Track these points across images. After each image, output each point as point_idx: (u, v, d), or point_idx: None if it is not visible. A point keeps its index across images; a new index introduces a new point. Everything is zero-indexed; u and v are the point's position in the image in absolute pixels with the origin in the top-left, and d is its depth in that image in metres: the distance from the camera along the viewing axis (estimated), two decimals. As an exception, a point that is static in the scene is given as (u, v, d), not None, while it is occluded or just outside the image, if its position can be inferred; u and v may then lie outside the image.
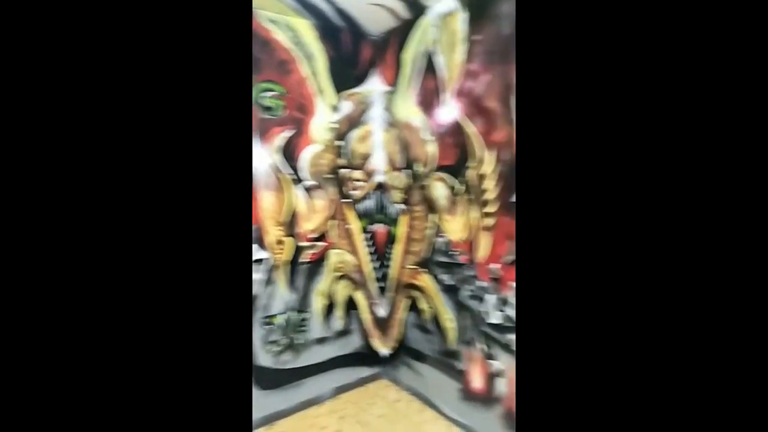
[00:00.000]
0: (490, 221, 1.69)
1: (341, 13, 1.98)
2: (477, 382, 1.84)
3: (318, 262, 2.16)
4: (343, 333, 2.29)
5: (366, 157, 2.27)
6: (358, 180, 2.26)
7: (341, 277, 2.26)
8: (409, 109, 2.07)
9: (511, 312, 1.63)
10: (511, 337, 1.65)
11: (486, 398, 1.79)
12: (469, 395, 1.89)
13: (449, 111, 1.83)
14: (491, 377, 1.76)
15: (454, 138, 1.83)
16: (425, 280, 2.10)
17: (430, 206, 2.01)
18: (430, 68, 1.91)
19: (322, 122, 2.10)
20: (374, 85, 2.25)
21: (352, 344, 2.32)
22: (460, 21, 1.72)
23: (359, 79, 2.21)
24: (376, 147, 2.29)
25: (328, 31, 2.07)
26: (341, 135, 2.18)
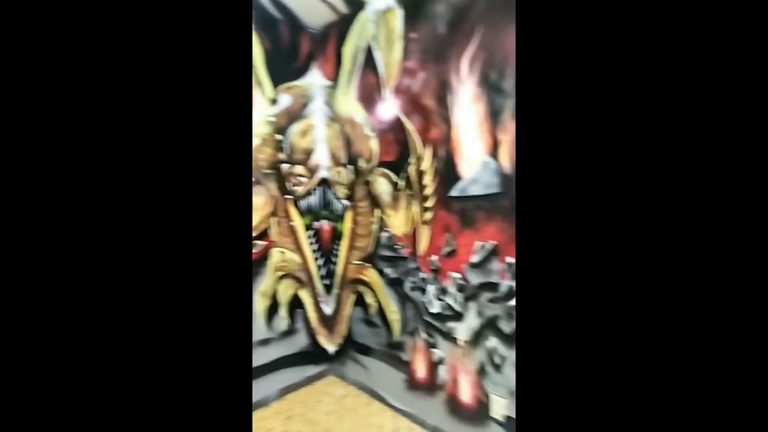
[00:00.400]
0: (429, 215, 1.74)
1: (278, 4, 1.92)
2: (421, 371, 1.89)
3: (259, 262, 2.09)
4: (288, 333, 2.24)
5: (308, 152, 2.23)
6: (300, 175, 2.21)
7: (284, 276, 2.21)
8: (350, 104, 2.07)
9: (450, 300, 1.70)
10: (451, 325, 1.72)
11: (429, 386, 1.86)
12: (413, 385, 1.94)
13: (389, 107, 1.86)
14: (434, 365, 1.82)
15: (395, 134, 1.85)
16: (371, 274, 2.12)
17: (375, 202, 2.02)
18: (369, 64, 1.92)
19: (259, 115, 2.02)
20: (314, 79, 2.21)
21: (297, 343, 2.28)
22: (398, 18, 1.74)
23: (298, 73, 2.16)
24: (318, 142, 2.26)
25: (264, 22, 2.00)
26: (281, 129, 2.12)
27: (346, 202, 2.20)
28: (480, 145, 1.50)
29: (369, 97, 1.96)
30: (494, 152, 1.46)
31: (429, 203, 1.73)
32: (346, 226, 2.22)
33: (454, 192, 1.62)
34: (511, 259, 1.45)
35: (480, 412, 1.65)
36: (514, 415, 1.52)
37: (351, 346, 2.32)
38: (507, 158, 1.42)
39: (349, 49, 2.02)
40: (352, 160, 2.12)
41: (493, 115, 1.45)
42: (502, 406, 1.56)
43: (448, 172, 1.64)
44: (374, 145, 1.97)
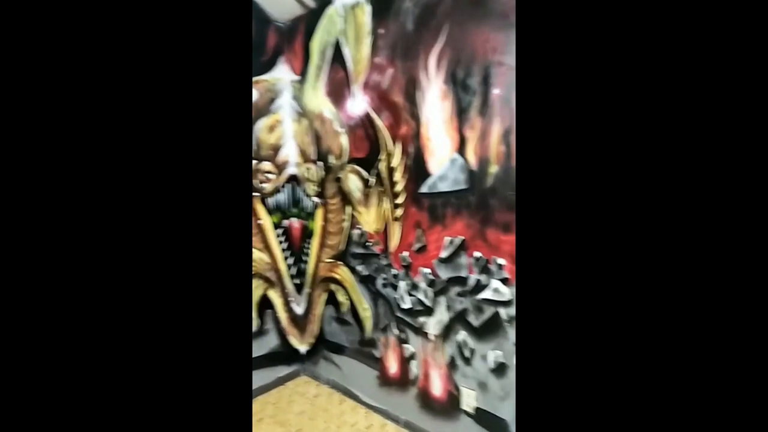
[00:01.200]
0: (400, 212, 1.75)
1: (242, -6, 1.86)
2: (393, 367, 1.90)
3: (226, 261, 2.02)
4: (258, 334, 2.19)
5: (276, 148, 2.18)
6: (268, 172, 2.16)
7: (253, 276, 2.15)
8: (319, 100, 2.04)
9: (421, 296, 1.71)
10: (422, 320, 1.73)
11: (401, 382, 1.87)
12: (386, 381, 1.95)
13: (358, 103, 1.84)
14: (405, 361, 1.84)
15: (365, 130, 1.85)
16: (342, 272, 2.10)
17: (345, 199, 2.01)
18: (338, 59, 1.90)
19: (225, 111, 1.96)
20: (281, 74, 2.16)
21: (267, 344, 2.23)
22: (366, 13, 1.73)
23: (265, 67, 2.11)
24: (287, 138, 2.21)
25: (228, 12, 1.93)
26: (248, 125, 2.06)
27: (316, 200, 2.17)
28: (448, 142, 1.52)
29: (338, 92, 1.94)
30: (461, 149, 1.48)
31: (400, 200, 1.74)
32: (317, 223, 2.19)
33: (424, 188, 1.63)
34: (479, 254, 1.48)
35: (451, 405, 1.68)
36: (483, 407, 1.56)
37: (323, 346, 2.30)
38: (473, 155, 1.45)
39: (317, 44, 1.99)
40: (321, 157, 2.09)
41: (460, 113, 1.47)
42: (471, 398, 1.59)
43: (417, 169, 1.65)
44: (344, 141, 1.95)
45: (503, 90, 1.34)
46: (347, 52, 1.85)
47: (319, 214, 2.17)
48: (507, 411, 1.48)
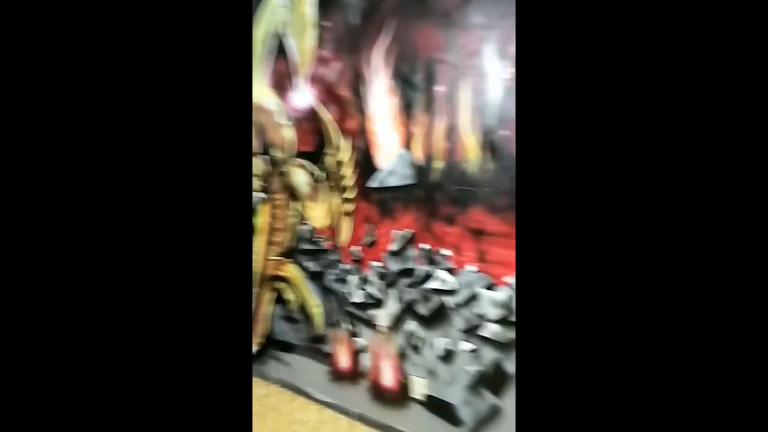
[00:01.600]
0: (349, 207, 1.75)
1: (174, -26, 1.73)
2: (344, 361, 1.91)
3: (162, 262, 1.88)
4: (201, 337, 2.07)
5: (216, 142, 2.06)
6: (208, 167, 2.04)
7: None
8: (261, 91, 1.96)
9: (371, 289, 1.73)
10: (372, 312, 1.76)
11: (352, 375, 1.88)
12: (337, 376, 1.95)
13: (304, 96, 1.80)
14: (356, 354, 1.85)
15: (311, 124, 1.81)
16: (291, 270, 2.06)
17: (292, 194, 1.96)
18: (281, 50, 1.84)
19: (156, 100, 1.81)
20: (221, 63, 2.05)
21: (212, 348, 2.12)
22: (309, 5, 1.69)
23: (202, 55, 1.98)
24: (228, 131, 2.10)
25: None
26: (183, 116, 1.92)
27: (260, 195, 2.10)
28: (396, 137, 1.55)
29: (282, 84, 1.88)
30: (408, 144, 1.52)
31: (349, 194, 1.74)
32: (262, 220, 2.12)
33: (374, 183, 1.65)
34: (426, 245, 1.53)
35: (402, 394, 1.72)
36: (433, 393, 1.63)
37: (272, 345, 2.23)
38: (420, 150, 1.49)
39: (259, 35, 1.91)
40: (265, 150, 2.02)
41: (407, 108, 1.50)
42: (422, 386, 1.65)
43: (365, 163, 1.66)
44: (289, 134, 1.90)
45: (446, 87, 1.39)
46: (291, 43, 1.79)
47: (264, 210, 2.10)
48: (454, 395, 1.55)
